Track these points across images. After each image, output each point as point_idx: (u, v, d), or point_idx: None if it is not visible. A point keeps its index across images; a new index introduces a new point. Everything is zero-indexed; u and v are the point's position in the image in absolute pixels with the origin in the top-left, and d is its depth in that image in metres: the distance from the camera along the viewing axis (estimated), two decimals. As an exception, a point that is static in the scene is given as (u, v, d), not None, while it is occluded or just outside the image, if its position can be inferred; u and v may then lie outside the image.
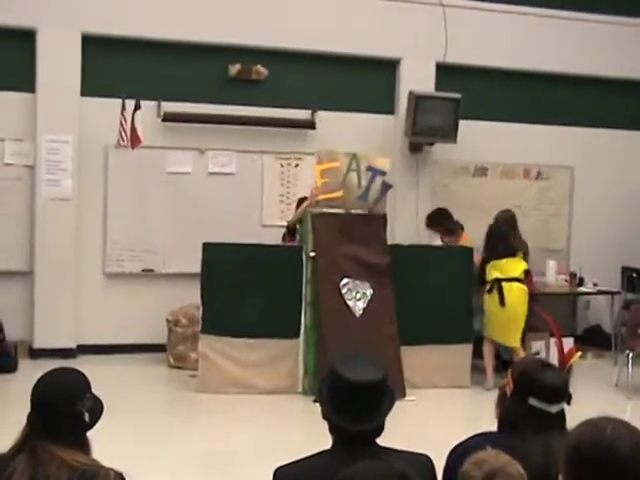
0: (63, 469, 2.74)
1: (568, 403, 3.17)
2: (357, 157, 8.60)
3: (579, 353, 7.47)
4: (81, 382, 2.97)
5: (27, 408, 2.92)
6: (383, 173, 8.64)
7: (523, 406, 3.08)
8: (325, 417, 2.99)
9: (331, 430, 3.00)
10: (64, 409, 2.86)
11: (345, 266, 8.19)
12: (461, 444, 3.10)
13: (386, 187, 8.66)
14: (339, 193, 8.48)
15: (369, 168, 8.59)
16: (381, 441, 3.00)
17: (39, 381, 2.95)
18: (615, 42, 11.27)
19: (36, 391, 2.92)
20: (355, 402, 2.93)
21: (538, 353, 9.32)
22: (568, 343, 8.48)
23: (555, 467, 2.87)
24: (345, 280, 7.89)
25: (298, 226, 8.93)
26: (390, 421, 3.03)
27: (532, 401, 3.07)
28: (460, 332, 8.83)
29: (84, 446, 2.91)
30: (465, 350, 8.89)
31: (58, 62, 9.46)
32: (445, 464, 3.08)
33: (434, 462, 3.04)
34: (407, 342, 8.43)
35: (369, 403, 2.94)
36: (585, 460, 2.21)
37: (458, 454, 2.92)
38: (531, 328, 9.24)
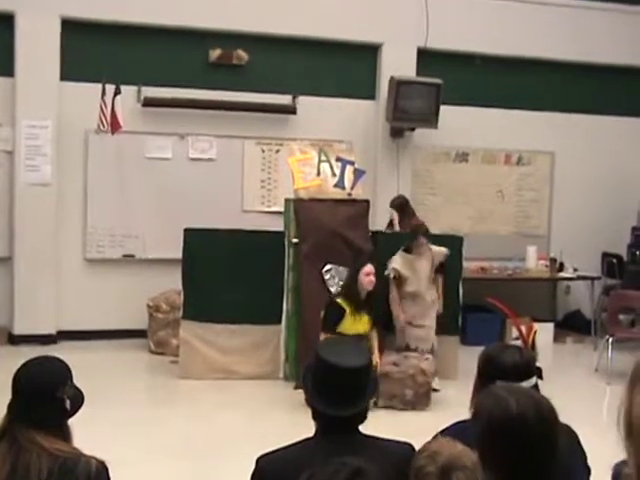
0: (44, 458, 2.72)
1: (540, 377, 3.18)
2: (324, 150, 8.66)
3: (536, 327, 7.56)
4: (63, 369, 2.95)
5: (8, 394, 2.90)
6: (352, 163, 8.68)
7: None
8: (308, 403, 2.99)
9: (314, 416, 2.99)
10: (46, 395, 2.84)
11: (328, 252, 8.17)
12: (442, 432, 3.10)
13: (359, 173, 8.70)
14: (317, 181, 8.50)
15: (338, 159, 8.64)
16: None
17: (21, 368, 2.93)
18: (597, 28, 11.29)
19: (17, 378, 2.90)
20: (337, 387, 2.91)
21: (518, 338, 9.34)
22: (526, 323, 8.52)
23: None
24: (328, 266, 7.89)
25: None
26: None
27: (499, 384, 3.08)
28: (448, 322, 8.60)
29: (65, 434, 2.89)
30: (452, 341, 8.80)
31: (37, 46, 9.38)
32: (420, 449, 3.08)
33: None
34: (392, 329, 8.39)
35: (351, 389, 2.93)
36: (496, 433, 2.37)
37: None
38: (511, 314, 9.26)
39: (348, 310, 7.38)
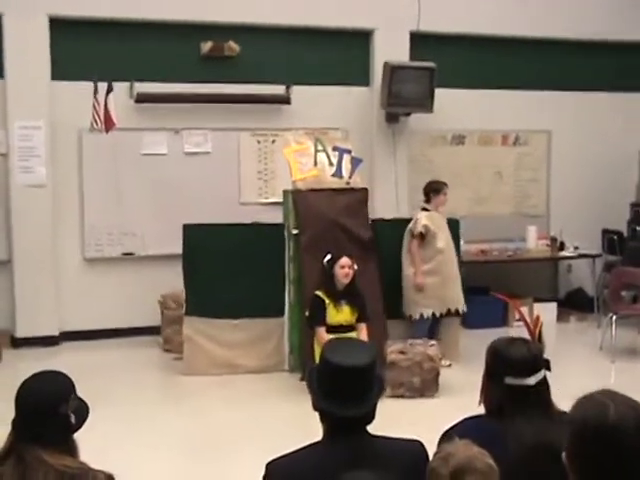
0: (51, 475, 2.69)
1: (548, 369, 3.15)
2: (321, 139, 8.63)
3: (542, 319, 7.58)
4: (65, 384, 2.92)
5: (12, 399, 2.87)
6: (349, 151, 8.64)
7: (501, 387, 3.07)
8: (315, 406, 2.95)
9: (322, 419, 2.96)
10: (49, 411, 2.81)
11: (328, 242, 8.14)
12: (451, 428, 3.08)
13: (356, 161, 8.67)
14: (315, 171, 8.46)
15: (335, 148, 8.60)
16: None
17: (23, 385, 2.89)
18: (589, 4, 11.22)
19: (20, 395, 2.87)
20: (343, 387, 2.88)
21: (519, 320, 9.32)
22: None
23: (547, 444, 2.87)
24: (329, 256, 7.84)
25: None
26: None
27: (508, 380, 3.06)
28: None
29: (72, 449, 2.86)
30: (454, 324, 8.84)
31: (26, 46, 9.32)
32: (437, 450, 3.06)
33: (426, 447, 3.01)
34: (393, 317, 8.42)
35: (358, 388, 2.90)
36: (590, 440, 2.21)
37: (448, 439, 2.89)
38: (514, 295, 9.27)
39: (327, 301, 7.46)
